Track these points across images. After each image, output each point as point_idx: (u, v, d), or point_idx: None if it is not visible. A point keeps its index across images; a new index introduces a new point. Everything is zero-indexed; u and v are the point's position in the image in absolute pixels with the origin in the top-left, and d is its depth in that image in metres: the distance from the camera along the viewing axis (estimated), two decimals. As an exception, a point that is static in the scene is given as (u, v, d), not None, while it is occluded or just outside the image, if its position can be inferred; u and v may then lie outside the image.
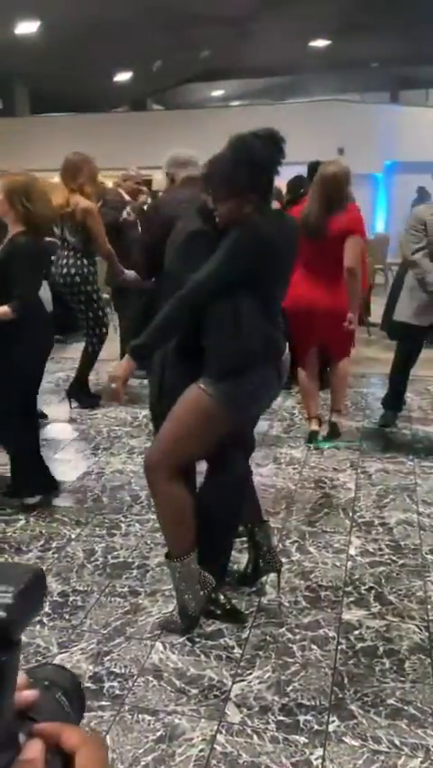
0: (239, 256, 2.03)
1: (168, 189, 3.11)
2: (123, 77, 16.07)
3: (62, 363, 5.59)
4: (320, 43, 14.95)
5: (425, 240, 3.96)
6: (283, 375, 2.32)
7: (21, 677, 0.46)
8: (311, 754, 1.83)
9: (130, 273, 4.41)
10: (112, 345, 5.07)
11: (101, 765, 0.45)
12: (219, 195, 2.08)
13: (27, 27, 11.88)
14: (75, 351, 5.33)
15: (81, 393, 4.82)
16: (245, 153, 2.00)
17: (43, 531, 3.04)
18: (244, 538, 2.63)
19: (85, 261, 4.56)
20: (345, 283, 3.76)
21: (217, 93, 20.43)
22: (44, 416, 4.40)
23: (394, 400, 4.45)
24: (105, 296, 5.58)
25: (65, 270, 4.55)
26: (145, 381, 5.29)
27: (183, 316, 2.11)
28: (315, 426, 4.14)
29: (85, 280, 4.56)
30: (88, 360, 4.83)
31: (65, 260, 4.56)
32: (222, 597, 2.38)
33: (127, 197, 5.36)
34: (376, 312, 6.46)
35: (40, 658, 2.17)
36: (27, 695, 0.45)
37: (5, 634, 0.41)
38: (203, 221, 2.17)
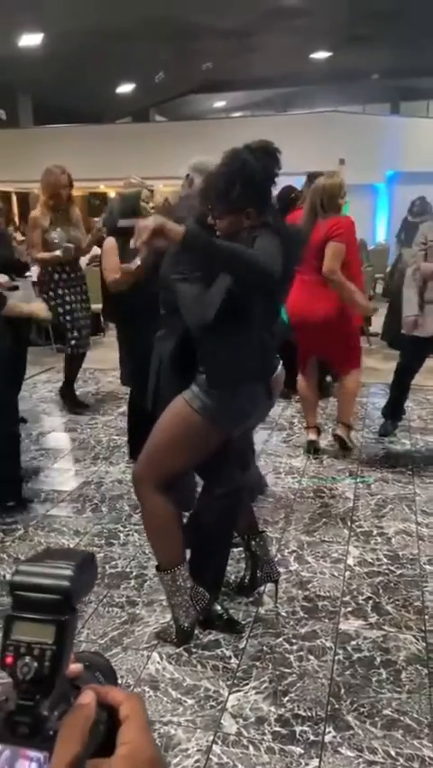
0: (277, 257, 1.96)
1: (185, 193, 3.12)
2: (125, 88, 16.21)
3: (62, 374, 5.60)
4: (321, 55, 15.08)
5: (423, 252, 4.03)
6: (274, 391, 2.26)
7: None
8: (307, 764, 1.83)
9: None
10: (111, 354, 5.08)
11: (141, 714, 0.51)
12: (217, 211, 2.07)
13: (31, 40, 12.01)
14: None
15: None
16: (239, 169, 1.99)
17: (42, 541, 3.04)
18: (241, 548, 2.63)
19: None
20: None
21: (219, 104, 20.59)
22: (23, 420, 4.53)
23: (394, 410, 4.46)
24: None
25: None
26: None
27: (242, 270, 1.88)
28: (312, 436, 4.15)
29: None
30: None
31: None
32: (219, 607, 2.38)
33: None
34: (376, 321, 6.48)
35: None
36: (74, 667, 0.53)
37: (69, 598, 0.50)
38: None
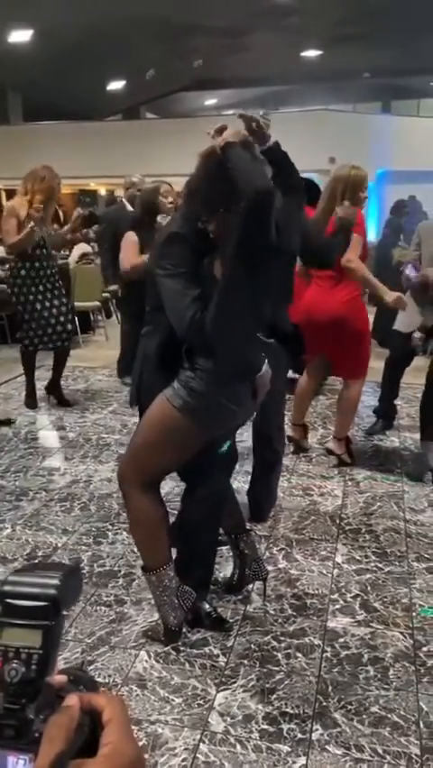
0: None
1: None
2: (116, 85, 16.16)
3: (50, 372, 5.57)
4: (312, 53, 15.09)
5: (417, 253, 4.06)
6: (259, 391, 2.24)
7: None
8: (294, 762, 1.82)
9: None
10: (102, 351, 5.06)
11: (123, 716, 0.53)
12: (206, 214, 2.03)
13: (20, 36, 11.94)
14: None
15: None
16: (215, 168, 1.96)
17: (30, 540, 3.03)
18: (230, 546, 2.63)
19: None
20: (349, 288, 3.61)
21: (210, 102, 20.56)
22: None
23: (386, 409, 4.47)
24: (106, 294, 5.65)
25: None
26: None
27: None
28: (293, 433, 4.02)
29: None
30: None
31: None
32: (207, 605, 2.37)
33: (129, 207, 5.33)
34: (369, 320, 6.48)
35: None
36: (59, 678, 0.54)
37: (57, 604, 0.53)
38: (201, 241, 2.08)
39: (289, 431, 4.05)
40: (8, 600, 0.53)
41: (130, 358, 3.55)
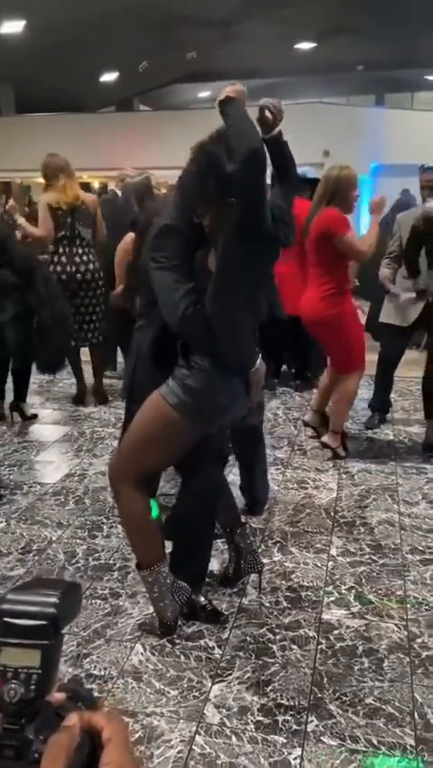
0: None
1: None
2: (109, 77, 16.04)
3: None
4: (306, 46, 15.02)
5: (396, 245, 4.06)
6: (254, 387, 2.24)
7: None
8: (289, 753, 1.83)
9: None
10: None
11: (123, 736, 0.53)
12: (200, 209, 2.02)
13: (12, 27, 11.82)
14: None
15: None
16: (206, 162, 1.95)
17: (24, 533, 3.02)
18: (225, 540, 2.63)
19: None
20: (327, 285, 3.69)
21: (204, 94, 20.44)
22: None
23: (381, 403, 4.48)
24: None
25: (90, 265, 4.59)
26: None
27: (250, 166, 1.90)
28: (307, 417, 4.22)
29: (100, 274, 4.64)
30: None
31: (83, 256, 4.58)
32: (202, 598, 2.38)
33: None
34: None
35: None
36: (58, 696, 0.54)
37: (56, 623, 0.53)
38: (195, 234, 2.07)
39: (307, 416, 4.21)
40: (6, 619, 0.53)
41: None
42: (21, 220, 4.73)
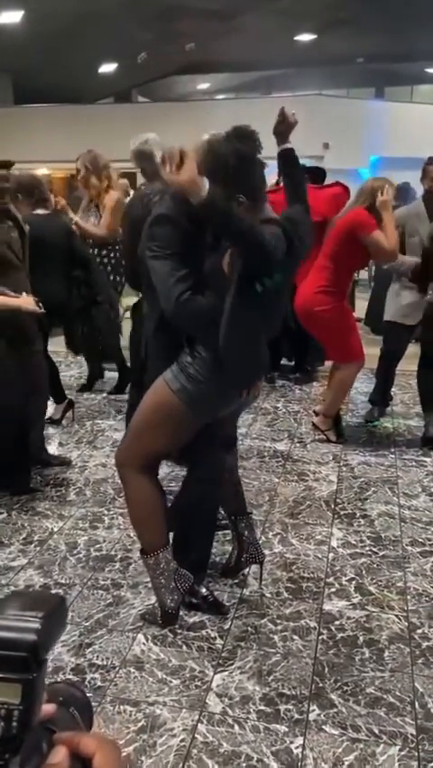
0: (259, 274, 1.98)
1: (142, 185, 3.11)
2: (108, 68, 15.96)
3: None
4: (306, 38, 14.95)
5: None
6: (254, 387, 2.28)
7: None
8: (291, 742, 1.85)
9: None
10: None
11: (115, 763, 0.50)
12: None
13: (10, 17, 11.74)
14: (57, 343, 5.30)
15: None
16: (212, 161, 1.96)
17: (25, 524, 3.03)
18: (227, 530, 2.64)
19: None
20: (319, 282, 3.78)
21: (203, 86, 20.37)
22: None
23: (381, 397, 4.48)
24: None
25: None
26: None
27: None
28: (317, 407, 4.27)
29: None
30: None
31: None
32: (204, 589, 2.39)
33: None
34: (360, 306, 6.49)
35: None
36: (47, 708, 0.51)
37: (36, 654, 0.47)
38: (191, 222, 2.07)
39: (318, 407, 4.21)
40: None
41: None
42: (76, 218, 4.38)
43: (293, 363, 5.50)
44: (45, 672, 0.49)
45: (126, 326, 6.50)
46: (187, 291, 2.01)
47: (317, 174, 5.06)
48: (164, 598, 2.27)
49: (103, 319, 4.32)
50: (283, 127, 2.26)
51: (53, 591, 2.51)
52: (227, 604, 2.44)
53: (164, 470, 3.21)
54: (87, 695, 0.62)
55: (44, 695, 0.50)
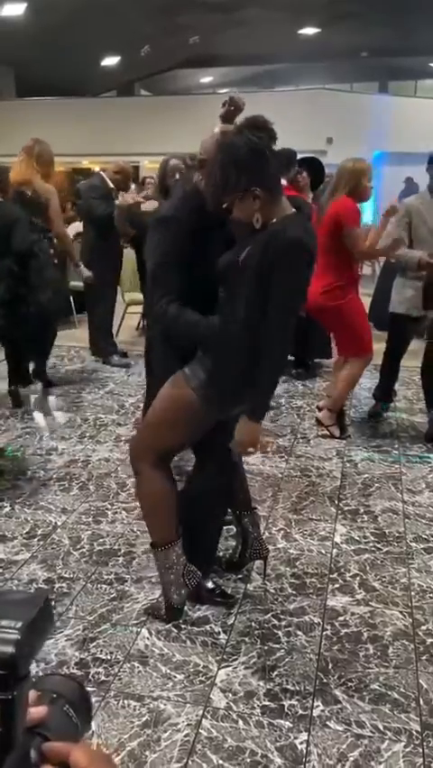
0: (303, 270, 1.99)
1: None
2: (110, 61, 15.91)
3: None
4: (310, 31, 14.88)
5: (406, 232, 4.00)
6: None
7: (30, 693, 0.48)
8: (296, 738, 1.85)
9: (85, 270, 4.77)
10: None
11: None
12: (226, 201, 1.99)
13: (13, 9, 11.70)
14: (59, 338, 5.29)
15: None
16: (227, 152, 1.94)
17: (29, 518, 3.02)
18: (231, 526, 2.64)
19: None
20: (328, 278, 3.74)
21: (206, 80, 20.29)
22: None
23: (385, 392, 4.47)
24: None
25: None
26: (131, 370, 5.30)
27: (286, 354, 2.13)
28: (321, 402, 4.28)
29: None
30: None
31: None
32: (210, 583, 2.39)
33: (111, 185, 5.27)
34: (364, 302, 6.45)
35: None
36: (35, 712, 0.47)
37: (14, 670, 0.42)
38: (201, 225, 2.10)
39: (323, 403, 4.20)
40: None
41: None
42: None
43: (294, 358, 5.48)
44: (28, 686, 0.45)
45: (131, 321, 6.52)
46: (167, 304, 2.10)
47: (313, 165, 4.96)
48: (171, 593, 2.27)
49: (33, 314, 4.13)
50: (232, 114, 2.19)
51: (41, 587, 2.51)
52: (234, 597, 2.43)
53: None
54: (88, 688, 0.57)
55: (25, 718, 0.46)
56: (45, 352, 4.85)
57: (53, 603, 2.40)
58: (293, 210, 2.02)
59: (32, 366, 4.82)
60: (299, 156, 4.75)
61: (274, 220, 1.95)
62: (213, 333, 2.07)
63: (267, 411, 2.12)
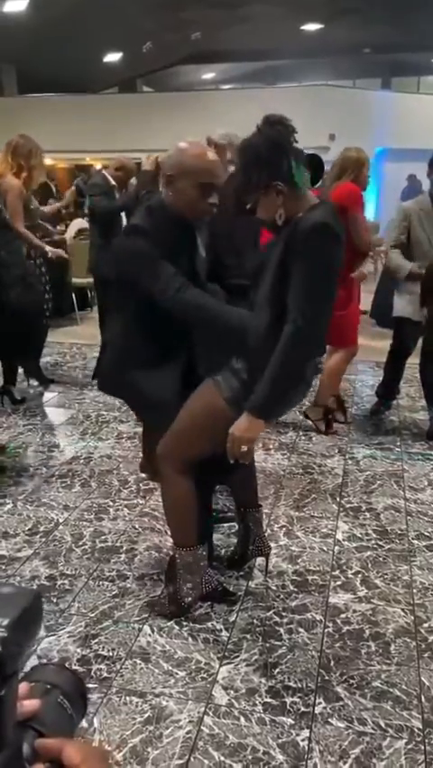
0: (330, 251, 1.91)
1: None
2: (112, 57, 15.88)
3: (49, 347, 5.54)
4: (312, 27, 14.83)
5: (404, 236, 3.97)
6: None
7: (21, 686, 0.46)
8: (297, 735, 1.85)
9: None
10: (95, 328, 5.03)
11: None
12: (249, 199, 1.97)
13: (15, 5, 11.66)
14: (61, 335, 5.29)
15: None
16: (247, 150, 1.93)
17: (31, 515, 3.03)
18: (233, 523, 2.64)
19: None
20: None
21: (208, 76, 20.26)
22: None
23: (388, 390, 4.46)
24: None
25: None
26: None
27: (307, 357, 1.98)
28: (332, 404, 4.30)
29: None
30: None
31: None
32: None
33: (113, 183, 5.25)
34: (366, 299, 6.45)
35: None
36: (28, 704, 0.45)
37: (1, 668, 0.41)
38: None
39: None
40: None
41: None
42: None
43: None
44: (16, 685, 0.43)
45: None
46: (179, 281, 2.06)
47: (313, 162, 4.93)
48: (184, 592, 2.26)
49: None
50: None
51: (25, 585, 2.51)
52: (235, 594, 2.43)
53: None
54: (89, 685, 0.57)
55: (14, 716, 0.45)
56: (30, 351, 4.72)
57: (55, 600, 2.40)
58: (317, 200, 1.99)
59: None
60: None
61: (300, 214, 1.91)
62: (244, 327, 2.00)
63: (270, 410, 2.01)
